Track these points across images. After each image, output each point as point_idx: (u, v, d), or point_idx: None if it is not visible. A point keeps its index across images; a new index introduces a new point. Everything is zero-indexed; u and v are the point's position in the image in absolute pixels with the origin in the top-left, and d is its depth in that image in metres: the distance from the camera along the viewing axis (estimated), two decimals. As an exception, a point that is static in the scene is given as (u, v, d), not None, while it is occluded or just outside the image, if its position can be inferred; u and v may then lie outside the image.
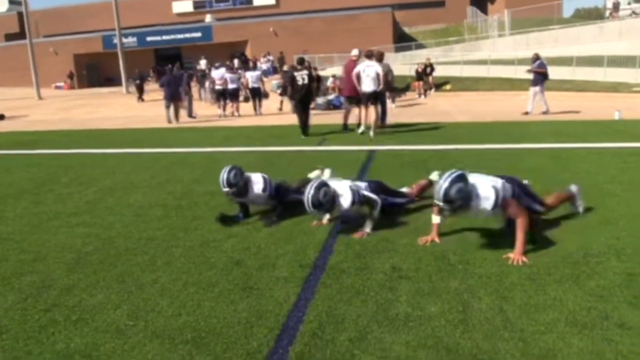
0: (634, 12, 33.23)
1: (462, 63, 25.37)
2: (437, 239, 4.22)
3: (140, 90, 25.13)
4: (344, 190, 4.54)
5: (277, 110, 17.58)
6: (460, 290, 3.35)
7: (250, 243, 4.41)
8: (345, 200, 4.49)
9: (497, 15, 37.33)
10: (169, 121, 15.38)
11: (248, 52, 36.98)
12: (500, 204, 3.88)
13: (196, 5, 47.19)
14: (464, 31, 38.19)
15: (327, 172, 5.77)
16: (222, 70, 17.85)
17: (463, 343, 2.73)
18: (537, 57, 14.13)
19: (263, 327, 2.99)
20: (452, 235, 4.35)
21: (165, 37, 39.35)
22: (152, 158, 8.77)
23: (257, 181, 5.05)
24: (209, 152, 9.04)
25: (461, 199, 3.80)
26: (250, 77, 17.44)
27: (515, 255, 3.78)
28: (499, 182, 4.01)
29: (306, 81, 11.18)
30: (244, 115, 16.76)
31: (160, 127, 14.33)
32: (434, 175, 5.27)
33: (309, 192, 4.39)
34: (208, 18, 40.19)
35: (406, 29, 41.65)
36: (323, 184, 4.47)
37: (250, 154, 8.64)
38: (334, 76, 23.77)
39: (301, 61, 11.78)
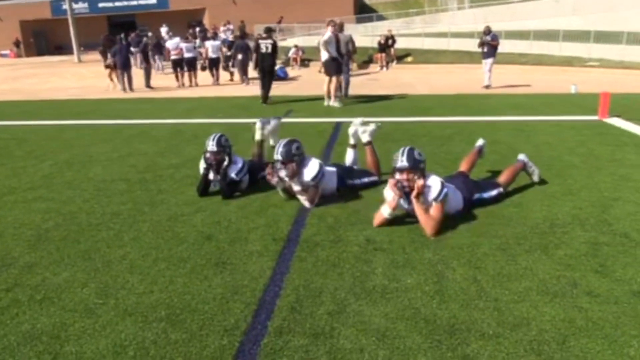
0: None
1: (423, 35, 25.43)
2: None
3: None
4: (311, 162, 4.49)
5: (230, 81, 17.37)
6: (434, 262, 3.38)
7: (220, 217, 4.32)
8: (310, 172, 4.43)
9: (456, -12, 37.41)
10: (124, 89, 15.16)
11: (206, 21, 35.87)
12: (439, 200, 3.84)
13: (150, -29, 45.22)
14: (424, 3, 38.13)
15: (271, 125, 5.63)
16: (177, 39, 17.52)
17: (440, 313, 2.77)
18: (489, 30, 14.36)
19: (239, 302, 2.94)
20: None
21: (118, 4, 37.60)
22: (111, 130, 8.44)
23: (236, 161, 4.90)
24: (171, 124, 8.77)
25: (423, 162, 3.90)
26: (211, 46, 17.06)
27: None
28: (450, 186, 4.06)
29: (269, 50, 11.16)
30: (202, 85, 16.35)
31: (118, 97, 13.80)
32: None
33: (281, 143, 4.38)
34: (163, -16, 38.60)
35: (367, 0, 41.29)
36: (296, 140, 4.44)
37: (214, 126, 8.42)
38: (296, 46, 23.44)
39: (267, 30, 11.77)
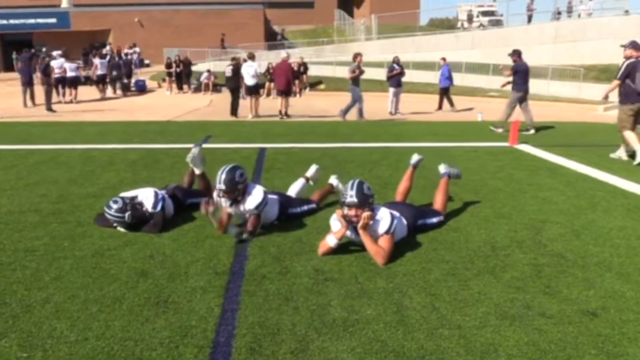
0: (482, 25, 36.70)
1: (334, 64, 26.05)
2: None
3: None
4: (255, 189, 4.29)
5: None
6: (389, 290, 3.30)
7: (152, 250, 3.97)
8: (253, 201, 4.24)
9: (363, 20, 38.97)
10: (25, 105, 16.07)
11: (111, 42, 34.41)
12: (390, 232, 3.80)
13: (49, -12, 42.78)
14: (332, 33, 39.34)
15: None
16: (62, 60, 18.67)
17: (408, 345, 2.67)
18: (398, 60, 15.32)
19: (191, 345, 2.65)
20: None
21: (13, 21, 34.99)
22: (14, 155, 7.62)
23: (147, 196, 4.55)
24: (82, 149, 8.12)
25: (371, 197, 3.82)
26: (99, 64, 20.27)
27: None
28: (396, 214, 4.03)
29: (231, 74, 14.94)
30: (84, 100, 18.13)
31: (18, 121, 12.64)
32: (332, 179, 5.26)
33: (224, 170, 4.13)
34: (64, 3, 36.55)
35: (276, 28, 41.84)
36: (238, 166, 4.21)
37: (131, 152, 7.92)
38: (208, 71, 23.03)
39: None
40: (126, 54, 28.73)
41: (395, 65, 16.04)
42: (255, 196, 4.22)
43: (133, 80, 23.34)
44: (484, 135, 10.23)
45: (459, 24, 40.41)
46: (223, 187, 4.11)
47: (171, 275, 3.51)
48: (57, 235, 4.29)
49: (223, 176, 4.11)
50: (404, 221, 4.16)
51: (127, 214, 4.31)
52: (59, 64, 18.07)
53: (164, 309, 3.04)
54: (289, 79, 14.92)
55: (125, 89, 21.91)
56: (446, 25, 51.12)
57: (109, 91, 21.17)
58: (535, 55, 23.19)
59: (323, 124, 12.54)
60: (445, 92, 17.20)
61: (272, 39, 38.11)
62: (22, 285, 3.35)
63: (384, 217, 3.84)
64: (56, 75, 17.63)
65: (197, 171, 4.85)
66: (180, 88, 23.38)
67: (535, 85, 19.81)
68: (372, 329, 2.83)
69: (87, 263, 3.72)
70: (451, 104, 17.04)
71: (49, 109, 14.98)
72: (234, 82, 14.89)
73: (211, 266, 3.67)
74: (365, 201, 3.77)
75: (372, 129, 11.28)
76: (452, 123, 12.57)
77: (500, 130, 10.52)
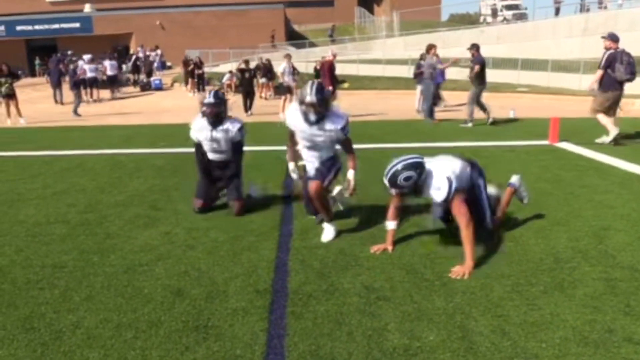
0: (505, 19, 35.92)
1: (358, 62, 25.67)
2: (390, 248, 3.88)
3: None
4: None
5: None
6: (449, 311, 2.98)
7: (187, 265, 3.71)
8: (340, 116, 4.14)
9: (383, 17, 38.50)
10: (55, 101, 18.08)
11: (133, 46, 34.59)
12: (452, 196, 3.64)
13: (72, -7, 43.30)
14: (354, 31, 38.93)
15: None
16: (81, 62, 20.15)
17: (482, 380, 2.35)
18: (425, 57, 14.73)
19: (237, 380, 2.38)
20: (405, 242, 4.01)
21: (38, 27, 35.30)
22: (40, 162, 7.49)
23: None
24: (109, 155, 7.95)
25: (407, 187, 3.67)
26: (109, 65, 21.22)
27: (464, 269, 3.46)
28: (457, 169, 3.77)
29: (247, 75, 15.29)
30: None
31: (42, 126, 12.58)
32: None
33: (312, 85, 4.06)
34: (87, 8, 36.85)
35: (296, 27, 41.60)
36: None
37: (158, 157, 7.72)
38: (230, 72, 22.86)
39: (245, 61, 15.53)
40: (147, 56, 28.91)
41: (422, 62, 15.55)
42: (341, 114, 4.12)
43: (152, 79, 25.05)
44: (521, 133, 9.79)
45: (482, 19, 39.67)
46: (314, 98, 3.93)
47: (209, 295, 3.24)
48: (86, 249, 4.07)
49: (313, 90, 3.97)
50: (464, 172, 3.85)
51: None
52: (86, 67, 19.30)
53: (204, 335, 2.77)
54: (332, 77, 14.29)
55: (144, 87, 23.88)
56: (467, 20, 50.26)
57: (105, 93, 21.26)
58: (564, 49, 22.53)
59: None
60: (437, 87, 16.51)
61: (292, 38, 37.88)
62: (51, 307, 3.12)
63: (439, 184, 3.64)
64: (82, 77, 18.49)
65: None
66: (202, 89, 23.29)
67: (566, 80, 19.24)
68: (437, 358, 2.51)
69: (118, 281, 3.48)
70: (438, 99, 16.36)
71: (76, 112, 14.99)
72: (248, 84, 15.33)
73: (251, 283, 3.40)
74: (404, 193, 3.74)
75: (404, 129, 10.91)
76: (483, 119, 12.10)
77: (470, 124, 10.71)
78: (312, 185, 4.13)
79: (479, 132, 10.07)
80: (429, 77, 12.36)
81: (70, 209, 5.15)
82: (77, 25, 35.32)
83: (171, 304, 3.14)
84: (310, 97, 3.95)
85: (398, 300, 3.13)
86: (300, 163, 4.45)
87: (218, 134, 4.76)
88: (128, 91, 23.15)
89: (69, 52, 26.33)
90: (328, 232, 4.20)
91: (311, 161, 4.25)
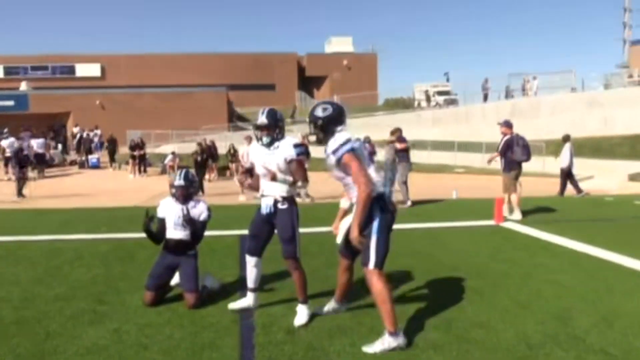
0: (437, 104, 38.22)
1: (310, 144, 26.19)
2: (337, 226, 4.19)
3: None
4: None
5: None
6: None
7: (141, 368, 3.36)
8: (290, 142, 4.15)
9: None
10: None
11: (70, 125, 33.84)
12: (341, 154, 3.64)
13: (7, 72, 42.56)
14: (294, 114, 40.07)
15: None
16: (12, 139, 20.35)
17: None
18: (368, 140, 15.40)
19: None
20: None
21: (-33, 103, 34.21)
22: (-36, 252, 6.85)
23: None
24: (46, 241, 7.40)
25: (322, 120, 3.79)
26: (36, 143, 21.76)
27: (352, 234, 3.60)
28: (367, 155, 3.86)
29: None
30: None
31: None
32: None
33: (264, 110, 4.16)
34: (23, 86, 36.16)
35: (238, 109, 42.39)
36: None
37: (100, 243, 7.26)
38: (173, 153, 22.67)
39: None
40: (88, 135, 28.52)
41: (366, 145, 16.04)
42: (292, 140, 4.14)
43: (90, 157, 26.29)
44: (466, 213, 10.06)
45: (416, 103, 41.95)
46: (265, 120, 4.02)
47: (169, 403, 2.91)
48: (23, 353, 3.62)
49: (265, 112, 4.08)
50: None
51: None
52: (10, 143, 19.66)
53: None
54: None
55: (82, 166, 25.36)
56: (401, 104, 52.89)
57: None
58: (495, 131, 24.05)
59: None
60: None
61: (234, 120, 38.46)
62: None
63: (340, 137, 3.70)
64: (7, 154, 19.28)
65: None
66: (143, 171, 22.85)
67: (499, 161, 20.40)
68: None
69: (62, 391, 3.07)
70: None
71: (19, 193, 14.39)
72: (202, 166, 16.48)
73: (215, 387, 3.10)
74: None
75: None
76: (430, 200, 12.42)
77: (409, 203, 11.07)
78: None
79: (425, 213, 10.24)
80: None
81: (2, 305, 4.64)
82: (12, 103, 34.42)
83: (126, 416, 2.78)
84: (261, 118, 4.06)
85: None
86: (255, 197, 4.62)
87: (188, 210, 4.63)
88: (64, 169, 23.94)
89: (5, 130, 25.33)
90: (301, 315, 4.07)
91: (268, 194, 4.16)
